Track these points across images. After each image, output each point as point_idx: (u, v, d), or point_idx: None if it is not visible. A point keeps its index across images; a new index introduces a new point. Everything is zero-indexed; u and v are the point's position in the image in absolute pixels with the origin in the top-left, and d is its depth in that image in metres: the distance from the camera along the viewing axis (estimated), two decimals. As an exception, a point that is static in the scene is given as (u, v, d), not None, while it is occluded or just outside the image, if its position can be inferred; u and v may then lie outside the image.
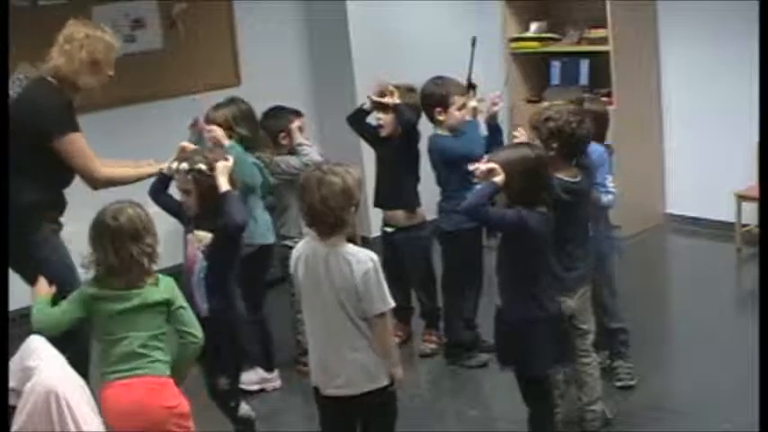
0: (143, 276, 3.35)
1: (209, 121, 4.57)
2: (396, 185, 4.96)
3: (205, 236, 3.78)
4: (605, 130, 4.40)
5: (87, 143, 4.27)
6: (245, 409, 4.04)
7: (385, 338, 3.40)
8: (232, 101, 4.67)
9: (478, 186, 3.63)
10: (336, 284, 3.31)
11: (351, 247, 3.36)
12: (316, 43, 6.98)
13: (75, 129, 4.15)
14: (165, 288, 3.40)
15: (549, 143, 3.79)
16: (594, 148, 4.19)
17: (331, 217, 3.29)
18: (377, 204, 5.12)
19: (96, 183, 4.17)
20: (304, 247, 3.46)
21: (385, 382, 3.41)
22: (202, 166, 3.74)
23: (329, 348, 3.39)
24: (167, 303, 3.38)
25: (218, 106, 4.63)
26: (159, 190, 3.98)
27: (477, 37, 5.60)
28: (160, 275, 3.42)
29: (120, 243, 3.28)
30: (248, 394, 4.45)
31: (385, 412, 3.50)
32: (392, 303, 3.37)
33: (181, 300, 3.45)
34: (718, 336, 4.97)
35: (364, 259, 3.31)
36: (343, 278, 3.30)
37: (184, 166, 3.76)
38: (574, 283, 3.90)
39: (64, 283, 4.02)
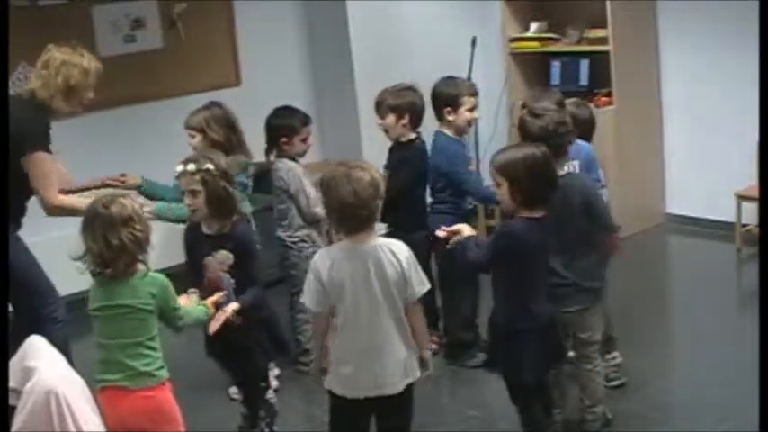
0: (133, 265, 3.32)
1: (186, 127, 4.64)
2: (404, 210, 4.97)
3: (227, 256, 3.79)
4: (591, 135, 4.45)
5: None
6: (272, 395, 4.08)
7: (422, 323, 3.51)
8: (208, 106, 4.70)
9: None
10: (389, 278, 3.33)
11: (384, 239, 3.43)
12: (316, 43, 6.98)
13: (46, 149, 4.25)
14: (153, 283, 3.36)
15: (529, 137, 3.78)
16: (582, 146, 4.23)
17: (364, 210, 3.30)
18: (384, 220, 5.12)
19: (47, 209, 4.29)
20: (332, 253, 3.41)
21: (417, 375, 3.46)
22: (210, 167, 3.76)
23: (374, 348, 3.37)
24: (157, 301, 3.34)
25: (194, 112, 4.67)
26: None
27: (477, 37, 5.63)
28: (152, 273, 3.38)
29: (110, 230, 3.25)
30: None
31: (406, 407, 3.51)
32: (428, 284, 3.46)
33: (174, 301, 3.42)
34: (718, 336, 4.97)
35: (401, 246, 3.39)
36: (394, 269, 3.34)
37: (192, 167, 3.77)
38: (565, 297, 3.84)
39: (34, 283, 4.11)
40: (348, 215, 3.32)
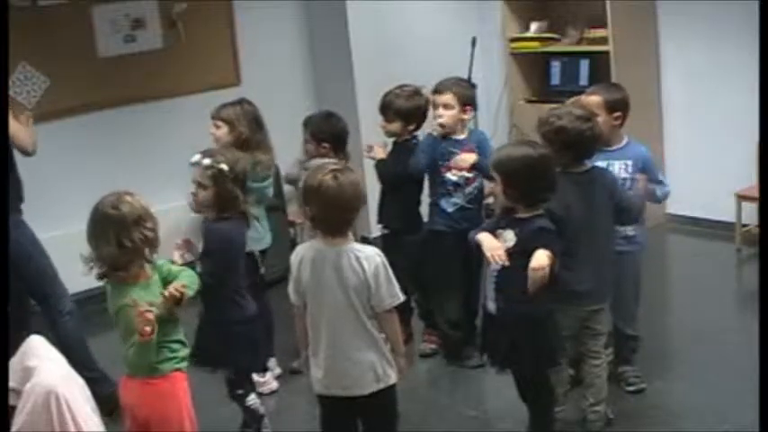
0: (144, 265, 3.33)
1: (214, 117, 4.67)
2: (400, 210, 4.98)
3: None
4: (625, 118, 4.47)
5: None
6: (254, 400, 4.07)
7: (395, 332, 3.46)
8: (239, 101, 4.76)
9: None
10: (349, 283, 3.32)
11: (357, 245, 3.38)
12: (316, 43, 6.98)
13: None
14: (162, 272, 3.40)
15: (558, 148, 3.77)
16: (636, 146, 4.35)
17: (338, 217, 3.30)
18: (380, 221, 5.12)
19: None
20: (306, 250, 3.44)
21: (391, 381, 3.43)
22: (224, 167, 3.80)
23: (338, 349, 3.39)
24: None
25: (223, 106, 4.71)
26: None
27: (477, 37, 5.63)
28: (159, 262, 3.41)
29: (123, 231, 3.24)
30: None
31: (387, 412, 3.51)
32: (402, 297, 3.42)
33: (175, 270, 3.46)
34: (719, 336, 4.97)
35: (372, 255, 3.34)
36: (355, 276, 3.31)
37: (207, 161, 3.83)
38: (584, 297, 3.85)
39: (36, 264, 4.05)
40: (323, 221, 3.33)
